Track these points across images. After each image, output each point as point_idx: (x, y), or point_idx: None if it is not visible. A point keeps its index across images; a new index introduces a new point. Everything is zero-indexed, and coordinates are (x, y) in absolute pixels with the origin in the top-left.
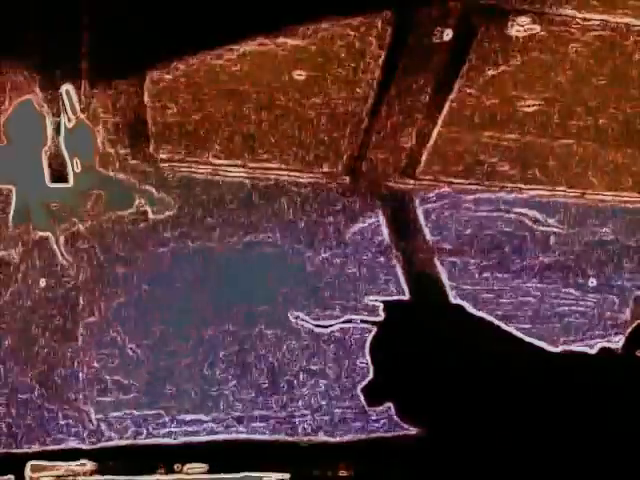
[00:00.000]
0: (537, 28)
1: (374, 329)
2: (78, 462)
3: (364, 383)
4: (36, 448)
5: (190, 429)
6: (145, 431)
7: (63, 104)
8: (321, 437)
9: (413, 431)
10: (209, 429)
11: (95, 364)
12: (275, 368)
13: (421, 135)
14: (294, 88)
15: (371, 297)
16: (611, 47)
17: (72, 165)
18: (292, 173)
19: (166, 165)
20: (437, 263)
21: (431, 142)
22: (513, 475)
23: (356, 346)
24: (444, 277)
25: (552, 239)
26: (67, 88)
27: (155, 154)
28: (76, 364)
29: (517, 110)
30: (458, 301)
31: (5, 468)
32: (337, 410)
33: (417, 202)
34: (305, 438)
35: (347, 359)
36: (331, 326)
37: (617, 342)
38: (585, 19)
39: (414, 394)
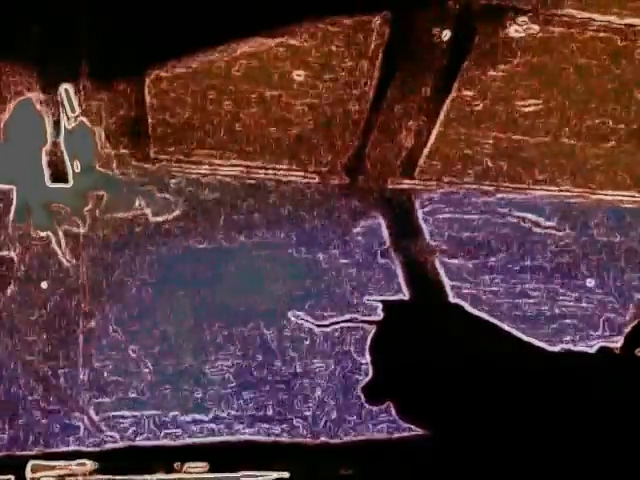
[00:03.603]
0: (536, 28)
1: (374, 329)
2: (78, 462)
3: (364, 383)
4: (37, 448)
5: (190, 429)
6: (145, 431)
7: (63, 104)
8: (321, 437)
9: (413, 431)
10: (209, 429)
11: (96, 364)
12: (275, 368)
13: (420, 135)
14: (293, 88)
15: (371, 297)
16: (611, 47)
17: (72, 165)
18: (292, 173)
19: (166, 165)
20: (437, 263)
21: (430, 142)
22: (513, 474)
23: (356, 346)
24: (444, 277)
25: (551, 239)
26: (67, 88)
27: (155, 154)
28: (77, 365)
29: (517, 110)
30: (458, 301)
31: (5, 468)
32: (337, 410)
33: (417, 202)
34: (305, 438)
35: (347, 359)
36: (331, 326)
37: (616, 342)
38: (584, 19)
39: (414, 394)
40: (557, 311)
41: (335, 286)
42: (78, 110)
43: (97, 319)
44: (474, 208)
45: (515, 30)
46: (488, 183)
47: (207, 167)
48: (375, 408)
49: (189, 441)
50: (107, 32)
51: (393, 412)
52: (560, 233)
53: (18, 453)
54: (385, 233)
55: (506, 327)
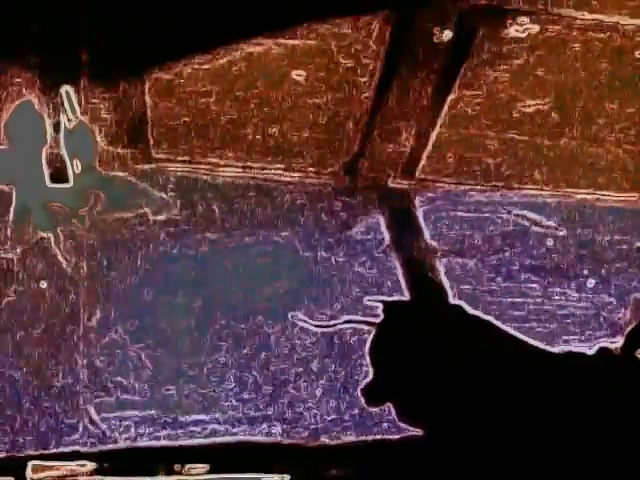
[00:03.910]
0: (536, 28)
1: (374, 329)
2: (79, 463)
3: (364, 384)
4: (37, 449)
5: (191, 430)
6: (146, 432)
7: (63, 104)
8: (321, 438)
9: (413, 431)
10: (210, 430)
11: (96, 364)
12: (275, 368)
13: (421, 135)
14: (294, 88)
15: (371, 297)
16: (611, 47)
17: (72, 165)
18: (292, 173)
19: (166, 165)
20: (437, 263)
21: (431, 142)
22: (513, 475)
23: (356, 346)
24: (444, 277)
25: (551, 239)
26: (67, 88)
27: (155, 154)
28: (77, 365)
29: (517, 110)
30: (458, 301)
31: (6, 469)
32: (337, 411)
33: (417, 202)
34: (305, 440)
35: (347, 359)
36: (331, 326)
37: (616, 343)
38: (585, 19)
39: (414, 395)
40: (557, 311)
41: (335, 286)
42: (78, 111)
43: (97, 319)
44: (474, 208)
45: (515, 30)
46: (488, 183)
47: (207, 167)
48: (375, 409)
49: (190, 442)
50: (107, 32)
51: (393, 413)
52: (560, 233)
53: (18, 454)
54: (385, 233)
55: (506, 327)
